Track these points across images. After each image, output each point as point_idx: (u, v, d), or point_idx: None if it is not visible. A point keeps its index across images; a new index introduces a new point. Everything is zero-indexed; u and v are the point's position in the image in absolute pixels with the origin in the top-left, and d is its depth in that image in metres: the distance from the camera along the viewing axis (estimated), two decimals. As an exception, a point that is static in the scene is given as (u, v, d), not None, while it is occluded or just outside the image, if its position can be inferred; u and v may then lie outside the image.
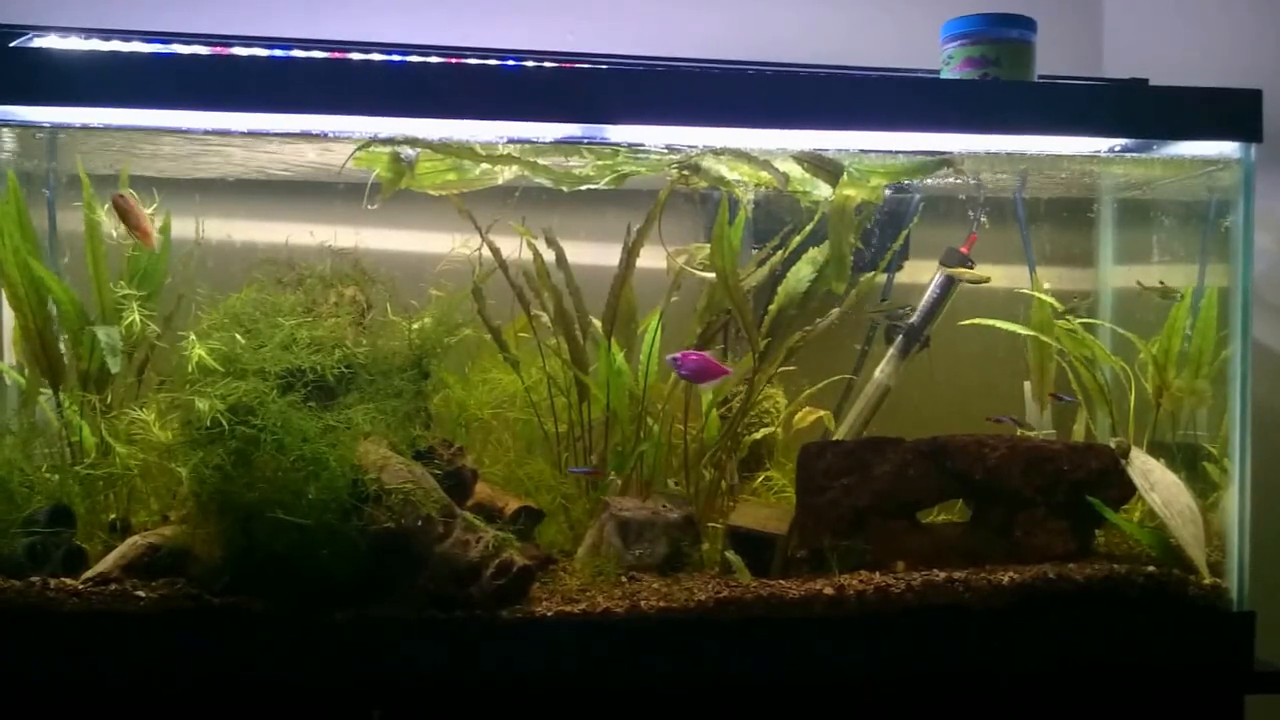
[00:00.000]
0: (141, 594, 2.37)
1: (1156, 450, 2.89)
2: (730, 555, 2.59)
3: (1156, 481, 2.68)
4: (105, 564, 2.44)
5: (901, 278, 3.30)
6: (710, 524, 2.82)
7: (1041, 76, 2.76)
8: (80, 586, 2.38)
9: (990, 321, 3.08)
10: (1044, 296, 3.08)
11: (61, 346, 2.71)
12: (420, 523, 2.37)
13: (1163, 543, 2.66)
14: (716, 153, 2.70)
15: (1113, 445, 2.75)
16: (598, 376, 2.90)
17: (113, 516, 2.64)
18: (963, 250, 3.13)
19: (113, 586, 2.39)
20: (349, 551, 2.34)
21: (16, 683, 2.33)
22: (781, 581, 2.53)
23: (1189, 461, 2.90)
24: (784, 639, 2.46)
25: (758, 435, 3.01)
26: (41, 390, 2.73)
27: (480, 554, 2.39)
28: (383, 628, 2.36)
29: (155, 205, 2.73)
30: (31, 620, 2.34)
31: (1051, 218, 3.33)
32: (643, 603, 2.44)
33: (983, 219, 3.19)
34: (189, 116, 2.50)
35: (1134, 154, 2.76)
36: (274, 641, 2.36)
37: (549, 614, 2.40)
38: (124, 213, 2.64)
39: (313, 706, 2.37)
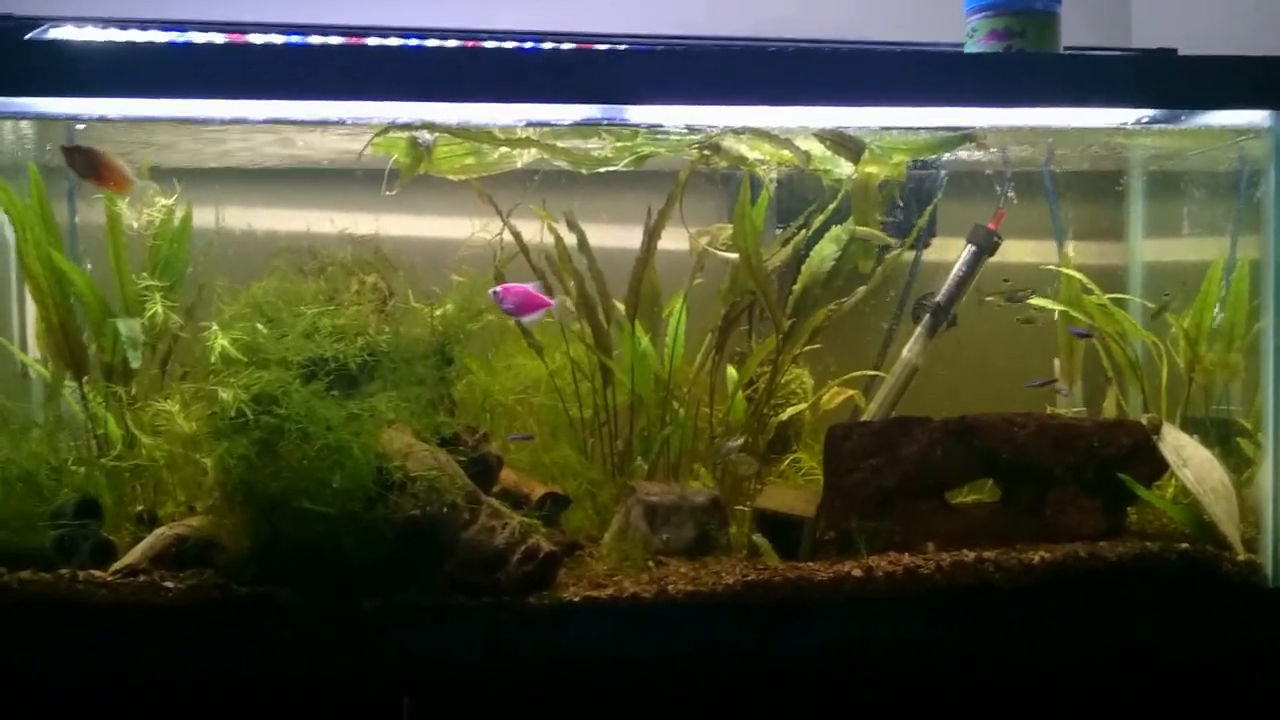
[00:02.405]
0: (169, 585, 2.37)
1: (1189, 426, 2.86)
2: (757, 538, 2.57)
3: (1189, 457, 2.65)
4: (133, 555, 2.44)
5: (929, 255, 3.26)
6: (737, 507, 2.80)
7: (1067, 48, 2.72)
8: (109, 578, 2.39)
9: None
10: (1072, 272, 3.04)
11: (85, 339, 2.71)
12: (446, 510, 2.36)
13: (1196, 519, 2.63)
14: (737, 132, 2.67)
15: (1144, 421, 2.71)
16: (622, 360, 2.88)
17: (140, 508, 2.65)
18: (990, 226, 3.09)
19: (141, 578, 2.39)
20: (375, 539, 2.33)
21: (47, 675, 2.34)
22: (810, 564, 2.51)
23: (1222, 437, 2.86)
24: (812, 622, 2.43)
25: (784, 416, 2.99)
26: (66, 383, 2.74)
27: (507, 540, 2.38)
28: (410, 616, 2.35)
29: (176, 195, 2.73)
30: (61, 612, 2.34)
31: (1080, 191, 3.29)
32: (670, 587, 2.42)
33: (1010, 194, 3.15)
34: (206, 105, 2.49)
35: (1163, 125, 2.71)
36: (302, 631, 2.35)
37: (576, 599, 2.39)
38: (87, 163, 2.56)
39: (342, 696, 2.37)
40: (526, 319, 2.70)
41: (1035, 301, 3.03)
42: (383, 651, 2.36)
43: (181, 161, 2.88)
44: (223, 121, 2.64)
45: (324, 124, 2.64)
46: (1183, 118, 2.66)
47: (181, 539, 2.47)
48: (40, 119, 2.67)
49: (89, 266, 2.83)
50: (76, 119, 2.63)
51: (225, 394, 2.35)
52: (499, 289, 2.65)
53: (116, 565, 2.42)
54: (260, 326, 2.49)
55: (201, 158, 2.91)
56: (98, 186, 2.61)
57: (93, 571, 2.40)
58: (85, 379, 2.70)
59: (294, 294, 2.58)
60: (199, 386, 2.45)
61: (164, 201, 2.74)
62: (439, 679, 2.37)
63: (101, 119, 2.57)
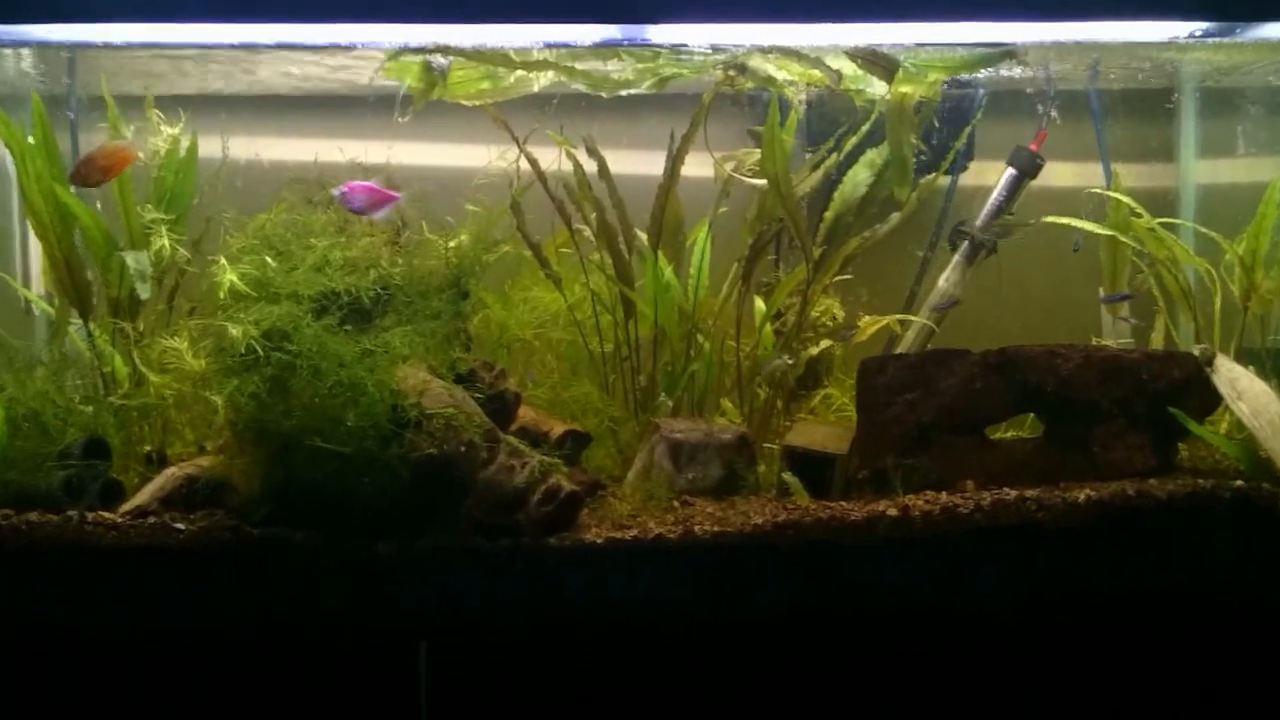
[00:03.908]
0: (180, 526, 2.32)
1: (1244, 357, 2.75)
2: (788, 477, 2.50)
3: (1244, 390, 2.54)
4: (142, 496, 2.40)
5: (966, 179, 3.15)
6: (766, 445, 2.73)
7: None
8: (118, 520, 2.34)
9: (1064, 220, 2.93)
10: (1120, 196, 2.92)
11: (90, 274, 2.65)
12: (463, 448, 2.30)
13: (1251, 455, 2.52)
14: (764, 51, 2.58)
15: (1196, 353, 2.61)
16: (644, 292, 2.80)
17: (148, 448, 2.61)
18: (1032, 148, 2.98)
19: (151, 520, 2.34)
20: (390, 480, 2.27)
21: (58, 619, 2.30)
22: (842, 503, 2.43)
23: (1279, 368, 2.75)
24: (845, 563, 2.36)
25: (814, 350, 2.90)
26: (71, 320, 2.69)
27: (526, 480, 2.32)
28: (427, 558, 2.30)
29: (181, 125, 2.65)
30: (71, 555, 2.30)
31: (1127, 111, 3.16)
32: (696, 528, 2.35)
33: (1053, 114, 3.03)
34: (213, 30, 2.43)
35: (1218, 39, 2.59)
36: (316, 574, 2.30)
37: (599, 541, 2.32)
38: (91, 172, 2.53)
39: (358, 639, 2.32)
40: (376, 215, 2.56)
41: (1081, 225, 2.91)
42: (398, 595, 2.31)
43: (186, 89, 2.81)
44: (230, 47, 2.59)
45: (334, 48, 2.58)
46: (1239, 30, 2.54)
47: (192, 480, 2.42)
48: (42, 47, 2.59)
49: (98, 205, 2.76)
50: (79, 45, 2.56)
51: (234, 330, 2.29)
52: (343, 188, 2.53)
53: (125, 507, 2.38)
54: (269, 260, 2.42)
55: (207, 85, 2.83)
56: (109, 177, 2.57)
57: (102, 513, 2.35)
58: (91, 315, 2.64)
59: (304, 226, 2.51)
60: (207, 322, 2.38)
61: (169, 131, 2.67)
62: (457, 622, 2.32)
63: (106, 46, 2.49)
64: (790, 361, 2.77)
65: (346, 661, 2.32)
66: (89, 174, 2.51)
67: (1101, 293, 3.04)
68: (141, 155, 2.64)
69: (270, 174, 2.71)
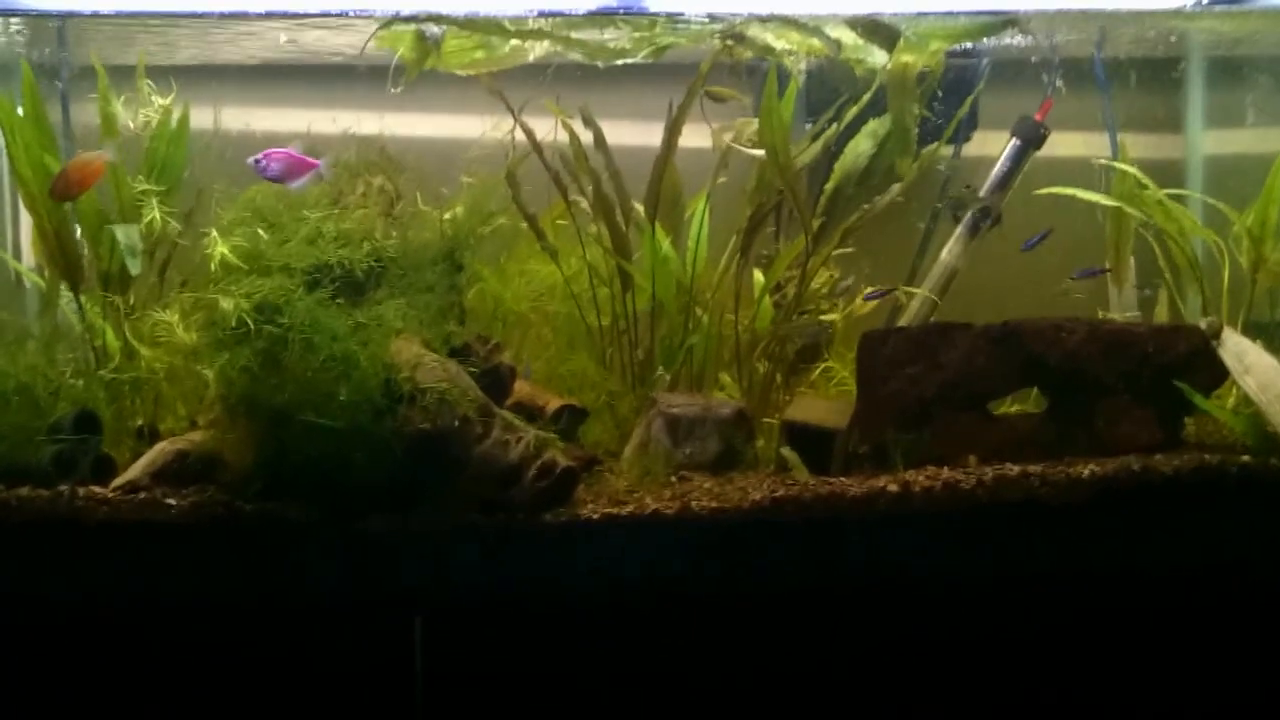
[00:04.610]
0: (172, 502, 2.30)
1: (1252, 331, 2.72)
2: (786, 452, 2.47)
3: (1252, 364, 2.51)
4: (134, 471, 2.37)
5: (970, 149, 3.12)
6: (765, 419, 2.70)
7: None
8: (110, 495, 2.32)
9: (1069, 190, 2.89)
10: (1126, 166, 2.88)
11: (81, 246, 2.63)
12: (457, 423, 2.27)
13: (1259, 430, 2.49)
14: (762, 20, 2.54)
15: (1203, 326, 2.57)
16: (642, 265, 2.77)
17: (140, 422, 2.58)
18: (1037, 118, 2.94)
19: (143, 495, 2.32)
20: (384, 454, 2.25)
21: (48, 595, 2.29)
22: (842, 479, 2.40)
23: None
24: (845, 540, 2.33)
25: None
26: (62, 293, 2.65)
27: (521, 455, 2.29)
28: (422, 533, 2.27)
29: (172, 95, 2.62)
30: (62, 530, 2.28)
31: (1132, 80, 3.11)
32: (694, 504, 2.32)
33: (1059, 83, 2.99)
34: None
35: (1226, 7, 2.55)
36: (310, 550, 2.28)
37: (595, 516, 2.30)
38: (69, 186, 2.47)
39: (353, 616, 2.30)
40: (294, 184, 2.49)
41: (1084, 195, 2.87)
42: (393, 571, 2.29)
43: (177, 59, 2.77)
44: (220, 15, 2.55)
45: (325, 16, 2.54)
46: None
47: (183, 454, 2.40)
48: (32, 16, 2.56)
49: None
50: (69, 14, 2.52)
51: (226, 303, 2.26)
52: (259, 156, 2.46)
53: (117, 481, 2.35)
54: (261, 232, 2.39)
55: (197, 55, 2.80)
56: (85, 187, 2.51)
57: (93, 488, 2.33)
58: (81, 288, 2.62)
59: (296, 198, 2.48)
60: (199, 295, 2.37)
61: (160, 101, 2.63)
62: (453, 599, 2.30)
63: (94, 15, 2.46)
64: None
65: (341, 637, 2.30)
66: (65, 189, 2.47)
67: (1107, 265, 3.00)
68: (131, 125, 2.62)
69: (263, 144, 2.66)
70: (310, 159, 2.46)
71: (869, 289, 2.90)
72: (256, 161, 2.43)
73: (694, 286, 2.79)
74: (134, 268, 2.51)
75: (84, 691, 2.29)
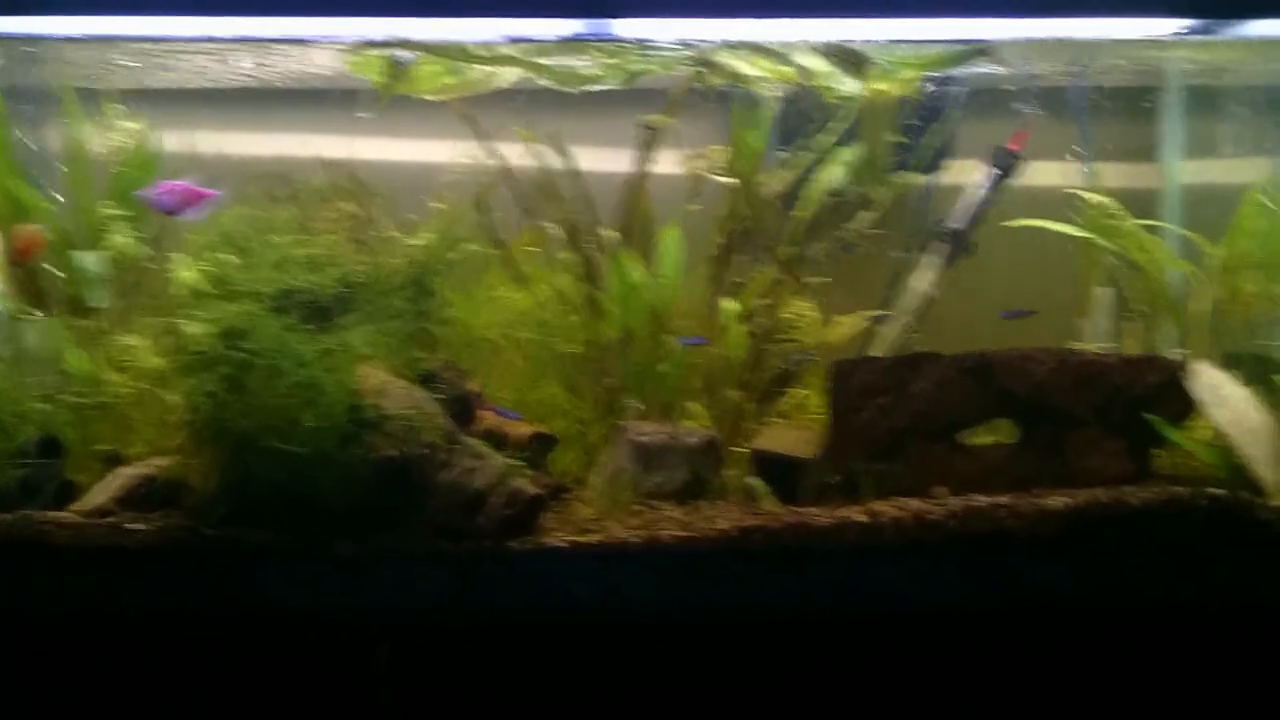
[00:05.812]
0: (137, 527, 2.29)
1: (1228, 363, 2.67)
2: (752, 481, 2.46)
3: (1226, 396, 2.49)
4: (99, 496, 2.37)
5: (946, 178, 3.09)
6: (735, 448, 2.68)
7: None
8: (75, 519, 2.31)
9: (1040, 223, 2.87)
10: (1099, 196, 2.87)
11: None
12: (424, 450, 2.27)
13: (1228, 462, 2.47)
14: (733, 47, 2.54)
15: (1180, 357, 2.56)
16: (612, 292, 2.75)
17: (106, 447, 2.56)
18: (1011, 147, 2.93)
19: (108, 519, 2.32)
20: (349, 481, 2.24)
21: (11, 620, 2.27)
22: (811, 509, 2.38)
23: (1261, 374, 2.68)
24: (813, 569, 2.31)
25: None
26: (29, 317, 2.64)
27: (488, 482, 2.29)
28: (387, 560, 2.26)
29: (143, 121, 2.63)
30: (25, 555, 2.27)
31: (1105, 109, 3.10)
32: (661, 532, 2.31)
33: (1033, 110, 2.97)
34: (172, 23, 2.39)
35: (1201, 36, 2.53)
36: (275, 575, 2.27)
37: (561, 544, 2.28)
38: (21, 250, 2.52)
39: (316, 643, 2.29)
40: (190, 215, 2.47)
41: (1058, 228, 2.86)
42: (359, 598, 2.27)
43: (146, 84, 2.77)
44: (190, 40, 2.54)
45: (296, 42, 2.53)
46: (1223, 28, 2.49)
47: (149, 479, 2.39)
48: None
49: (60, 198, 2.73)
50: (36, 39, 2.52)
51: (192, 328, 2.26)
52: (152, 188, 2.44)
53: (82, 506, 2.34)
54: (230, 257, 2.38)
55: (166, 79, 2.79)
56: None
57: (58, 513, 2.32)
58: (49, 312, 2.62)
59: (265, 222, 2.47)
60: (166, 320, 2.35)
61: (129, 125, 2.63)
62: (417, 626, 2.28)
63: (66, 39, 2.45)
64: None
65: (305, 663, 2.28)
66: (14, 257, 2.50)
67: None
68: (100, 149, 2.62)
69: (233, 169, 2.67)
70: (206, 190, 2.45)
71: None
72: (148, 195, 2.42)
73: (665, 314, 2.77)
74: (95, 299, 2.52)
75: (45, 711, 2.28)
